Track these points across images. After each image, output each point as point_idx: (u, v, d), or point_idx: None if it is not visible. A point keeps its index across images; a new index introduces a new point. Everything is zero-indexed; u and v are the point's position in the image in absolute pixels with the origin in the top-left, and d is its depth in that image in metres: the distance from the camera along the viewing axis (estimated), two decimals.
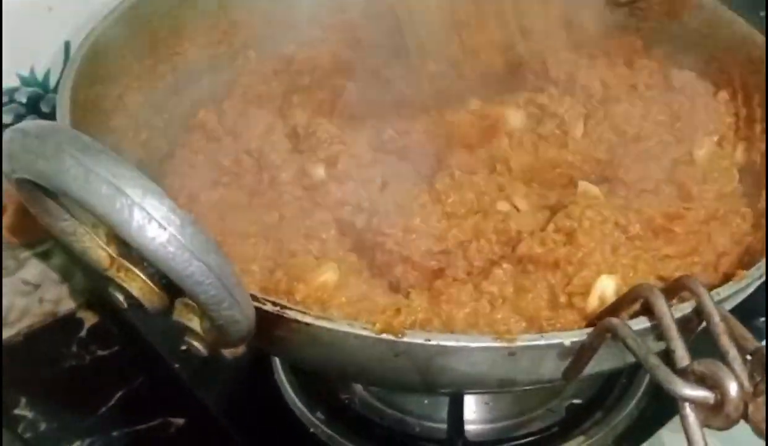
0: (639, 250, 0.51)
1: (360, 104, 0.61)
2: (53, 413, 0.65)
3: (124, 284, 0.42)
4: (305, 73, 0.63)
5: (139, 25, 0.63)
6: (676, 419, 0.58)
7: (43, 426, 0.64)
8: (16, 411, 0.64)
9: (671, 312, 0.40)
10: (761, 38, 0.64)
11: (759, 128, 0.62)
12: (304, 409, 0.63)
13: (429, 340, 0.41)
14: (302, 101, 0.60)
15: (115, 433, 0.63)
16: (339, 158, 0.56)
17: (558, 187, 0.59)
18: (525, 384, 0.46)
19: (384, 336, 0.41)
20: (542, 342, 0.42)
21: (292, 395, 0.64)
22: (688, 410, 0.36)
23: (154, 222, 0.35)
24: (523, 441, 0.63)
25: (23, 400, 0.65)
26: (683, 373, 0.37)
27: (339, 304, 0.47)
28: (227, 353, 0.43)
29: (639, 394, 0.64)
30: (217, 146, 0.60)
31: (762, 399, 0.36)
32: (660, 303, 0.41)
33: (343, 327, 0.41)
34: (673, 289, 0.43)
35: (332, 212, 0.54)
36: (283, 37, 0.69)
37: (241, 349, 0.43)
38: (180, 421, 0.63)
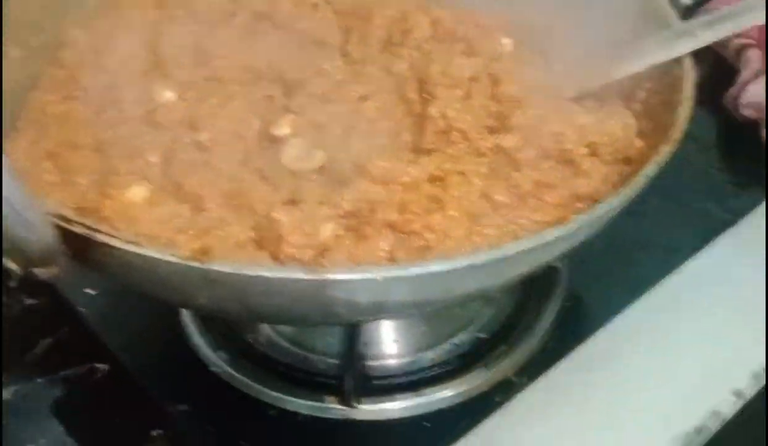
0: (503, 220, 0.49)
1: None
2: None
3: None
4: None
5: None
6: (573, 356, 0.61)
7: None
8: None
9: None
10: None
11: None
12: (207, 349, 0.62)
13: (237, 271, 0.40)
14: (172, 32, 0.59)
15: (40, 380, 0.62)
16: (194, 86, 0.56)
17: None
18: (348, 318, 0.45)
19: (192, 263, 0.41)
20: (355, 276, 0.41)
21: (197, 335, 0.63)
22: None
23: None
24: (425, 374, 0.62)
25: None
26: None
27: (148, 221, 0.46)
28: (40, 272, 0.42)
29: (543, 331, 0.63)
30: (80, 62, 0.59)
31: None
32: None
33: (151, 253, 0.41)
34: None
35: (170, 132, 0.53)
36: None
37: (56, 269, 0.42)
38: (105, 367, 0.63)
